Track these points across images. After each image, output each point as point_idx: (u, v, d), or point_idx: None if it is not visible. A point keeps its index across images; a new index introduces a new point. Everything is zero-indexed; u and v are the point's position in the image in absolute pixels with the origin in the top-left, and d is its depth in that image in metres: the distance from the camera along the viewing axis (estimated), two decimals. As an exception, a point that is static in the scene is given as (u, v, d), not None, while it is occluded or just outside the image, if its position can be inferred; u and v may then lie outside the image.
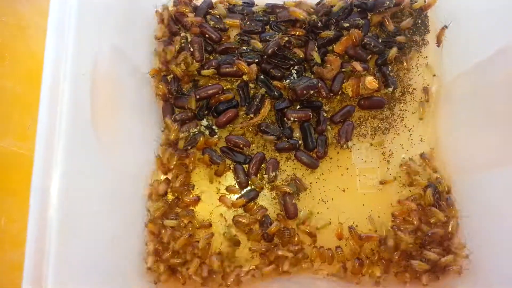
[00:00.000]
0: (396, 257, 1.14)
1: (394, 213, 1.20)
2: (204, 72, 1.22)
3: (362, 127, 1.26)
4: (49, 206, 0.73)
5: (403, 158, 1.24)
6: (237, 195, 1.20)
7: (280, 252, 1.13)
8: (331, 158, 1.24)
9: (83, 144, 0.81)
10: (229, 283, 1.10)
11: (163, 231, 1.12)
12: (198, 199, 1.19)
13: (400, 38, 1.25)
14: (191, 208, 1.19)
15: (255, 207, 1.19)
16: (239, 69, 1.21)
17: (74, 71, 0.78)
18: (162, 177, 1.19)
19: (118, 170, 0.97)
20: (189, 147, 1.21)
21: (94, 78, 0.84)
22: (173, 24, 1.26)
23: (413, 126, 1.26)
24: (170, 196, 1.18)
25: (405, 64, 1.28)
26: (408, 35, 1.29)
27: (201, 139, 1.19)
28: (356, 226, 1.18)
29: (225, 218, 1.19)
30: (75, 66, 0.81)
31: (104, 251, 0.91)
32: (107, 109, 0.90)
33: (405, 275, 1.14)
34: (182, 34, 1.25)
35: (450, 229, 1.15)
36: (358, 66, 1.20)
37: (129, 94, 1.07)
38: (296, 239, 1.16)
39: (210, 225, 1.18)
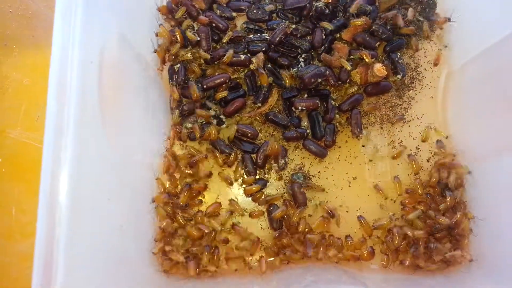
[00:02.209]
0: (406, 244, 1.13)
1: (403, 202, 1.19)
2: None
3: (371, 115, 1.25)
4: (58, 195, 0.73)
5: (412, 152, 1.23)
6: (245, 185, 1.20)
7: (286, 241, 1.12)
8: (339, 147, 1.23)
9: (91, 133, 0.81)
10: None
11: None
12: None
13: (407, 30, 1.24)
14: (199, 198, 1.19)
15: (262, 197, 1.19)
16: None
17: (82, 59, 0.77)
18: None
19: (126, 158, 0.97)
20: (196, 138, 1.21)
21: (101, 66, 0.84)
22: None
23: (423, 115, 1.24)
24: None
25: (414, 47, 1.26)
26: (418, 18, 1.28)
27: (211, 129, 1.19)
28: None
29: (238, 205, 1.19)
30: (82, 54, 0.80)
31: (113, 239, 0.91)
32: (115, 97, 0.90)
33: (413, 262, 1.13)
34: (188, 23, 1.24)
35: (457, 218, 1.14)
36: (368, 57, 1.18)
37: (136, 82, 1.06)
38: (306, 228, 1.16)
39: (218, 214, 1.18)
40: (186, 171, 1.18)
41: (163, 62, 1.22)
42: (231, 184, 1.20)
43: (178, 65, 1.23)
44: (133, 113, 1.03)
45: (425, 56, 1.28)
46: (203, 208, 1.18)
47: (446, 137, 1.22)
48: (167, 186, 1.16)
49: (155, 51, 1.19)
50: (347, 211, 1.18)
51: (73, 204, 0.74)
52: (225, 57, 1.19)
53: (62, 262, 0.72)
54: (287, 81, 1.20)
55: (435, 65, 1.27)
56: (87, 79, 0.80)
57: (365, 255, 1.14)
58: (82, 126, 0.77)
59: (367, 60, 1.18)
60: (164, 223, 1.08)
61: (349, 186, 1.20)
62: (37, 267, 0.73)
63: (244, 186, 1.20)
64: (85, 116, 0.77)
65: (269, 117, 1.21)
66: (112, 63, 0.92)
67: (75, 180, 0.73)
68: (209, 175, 1.20)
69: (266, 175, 1.21)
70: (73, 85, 0.75)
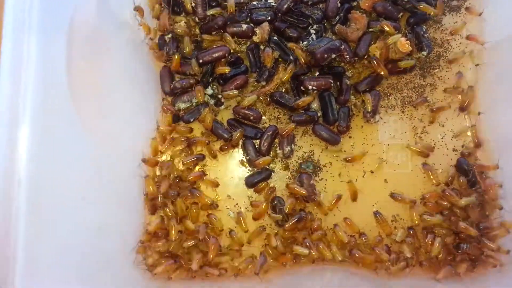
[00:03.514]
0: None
1: (425, 196, 1.04)
2: (206, 37, 1.04)
3: (390, 97, 1.09)
4: (13, 192, 0.57)
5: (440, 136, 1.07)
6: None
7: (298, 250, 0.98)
8: (353, 133, 1.07)
9: (57, 118, 0.64)
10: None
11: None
12: (202, 174, 1.04)
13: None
14: (194, 187, 1.04)
15: (266, 188, 1.04)
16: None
17: (44, 21, 0.60)
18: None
19: (106, 145, 0.81)
20: (192, 119, 1.05)
21: (72, 33, 0.67)
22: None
23: (450, 96, 1.09)
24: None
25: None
26: None
27: (205, 110, 1.03)
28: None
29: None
30: (45, 16, 0.63)
31: (88, 242, 0.76)
32: (89, 74, 0.73)
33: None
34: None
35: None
36: (389, 27, 1.02)
37: (117, 55, 0.89)
38: (315, 225, 1.01)
39: (216, 206, 1.03)
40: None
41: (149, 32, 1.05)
42: (214, 157, 1.05)
43: (170, 35, 1.07)
44: (115, 92, 0.86)
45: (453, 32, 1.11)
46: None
47: (479, 114, 1.07)
48: (157, 174, 1.01)
49: (135, 8, 1.01)
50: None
51: (32, 202, 0.58)
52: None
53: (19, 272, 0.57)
54: (302, 58, 1.04)
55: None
56: (51, 49, 0.63)
57: (382, 255, 1.00)
58: (45, 111, 0.60)
59: (389, 31, 1.02)
60: (154, 222, 0.93)
61: (364, 177, 1.06)
62: None
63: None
64: (48, 98, 0.61)
65: (275, 98, 1.05)
66: (86, 31, 0.76)
67: (35, 174, 0.57)
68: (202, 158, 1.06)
69: (270, 165, 1.06)
70: (31, 58, 0.57)
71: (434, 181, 1.03)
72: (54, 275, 0.65)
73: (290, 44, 1.06)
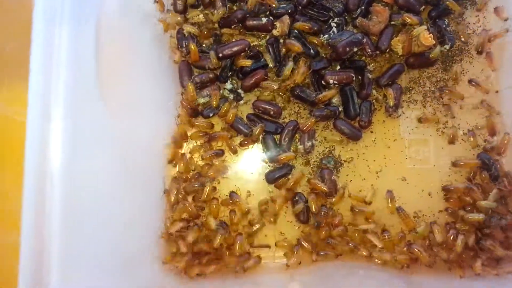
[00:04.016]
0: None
1: (448, 187, 1.02)
2: (225, 30, 1.02)
3: (412, 91, 1.07)
4: (47, 183, 0.55)
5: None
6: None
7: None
8: (375, 128, 1.06)
9: (88, 110, 0.63)
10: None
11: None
12: (222, 153, 1.03)
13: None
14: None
15: (287, 183, 1.03)
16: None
17: (75, 16, 0.58)
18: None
19: (130, 138, 0.79)
20: (211, 114, 1.03)
21: (99, 27, 0.65)
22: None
23: (473, 90, 1.07)
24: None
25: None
26: None
27: (225, 105, 1.01)
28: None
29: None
30: (76, 10, 0.61)
31: (115, 236, 0.75)
32: (115, 67, 0.72)
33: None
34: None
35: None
36: (411, 18, 1.00)
37: (140, 48, 0.88)
38: (336, 220, 1.00)
39: (236, 201, 1.02)
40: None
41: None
42: (235, 152, 1.04)
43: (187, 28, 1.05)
44: (138, 85, 0.85)
45: (476, 23, 1.10)
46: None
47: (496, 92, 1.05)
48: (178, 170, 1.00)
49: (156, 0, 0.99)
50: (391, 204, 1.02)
51: (66, 197, 0.56)
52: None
53: (55, 266, 0.55)
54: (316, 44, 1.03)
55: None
56: (81, 42, 0.61)
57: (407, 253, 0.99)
58: (76, 103, 0.58)
59: (412, 22, 1.00)
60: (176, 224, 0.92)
61: (386, 173, 1.04)
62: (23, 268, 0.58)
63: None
64: (79, 88, 0.59)
65: (295, 93, 1.04)
66: (112, 24, 0.74)
67: (68, 167, 0.56)
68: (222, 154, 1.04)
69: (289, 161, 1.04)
70: (63, 49, 0.56)
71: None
72: (87, 271, 0.63)
73: (311, 38, 1.05)
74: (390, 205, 1.01)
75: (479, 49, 1.06)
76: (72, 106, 0.58)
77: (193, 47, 1.01)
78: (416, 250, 0.97)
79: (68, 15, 0.58)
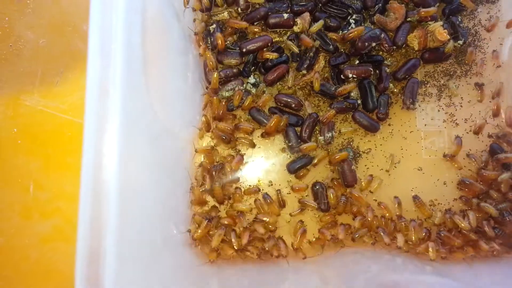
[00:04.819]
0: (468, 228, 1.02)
1: (464, 180, 1.07)
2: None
3: (428, 85, 1.12)
4: (103, 172, 0.59)
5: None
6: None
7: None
8: (392, 120, 1.10)
9: (137, 98, 0.67)
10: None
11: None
12: (241, 159, 1.06)
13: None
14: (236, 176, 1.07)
15: (308, 174, 1.07)
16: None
17: (127, 5, 0.62)
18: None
19: (167, 128, 0.84)
20: (235, 108, 1.08)
21: (144, 19, 0.69)
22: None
23: (485, 84, 1.11)
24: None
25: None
26: None
27: (249, 98, 1.06)
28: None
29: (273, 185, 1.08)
30: (128, 6, 0.65)
31: (154, 219, 0.79)
32: (156, 58, 0.76)
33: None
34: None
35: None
36: (429, 13, 1.05)
37: (175, 44, 0.92)
38: (355, 209, 1.04)
39: (258, 190, 1.07)
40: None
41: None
42: (253, 146, 1.08)
43: (214, 25, 1.10)
44: (172, 80, 0.89)
45: (486, 20, 1.14)
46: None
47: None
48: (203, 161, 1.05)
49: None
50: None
51: (121, 183, 0.60)
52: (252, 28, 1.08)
53: (112, 254, 0.59)
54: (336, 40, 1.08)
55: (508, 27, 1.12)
56: (132, 36, 0.66)
57: (422, 238, 1.03)
58: (129, 95, 0.62)
59: (429, 18, 1.05)
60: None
61: (403, 163, 1.08)
62: (81, 261, 0.60)
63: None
64: (131, 82, 0.63)
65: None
66: (152, 21, 0.78)
67: (124, 154, 0.60)
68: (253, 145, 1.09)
69: (311, 151, 1.09)
70: (118, 36, 0.60)
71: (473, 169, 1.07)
72: (140, 266, 0.67)
73: (330, 34, 1.09)
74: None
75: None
76: (126, 100, 0.61)
77: (218, 34, 1.05)
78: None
79: (123, 10, 0.61)
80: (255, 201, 1.05)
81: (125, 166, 0.61)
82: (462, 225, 1.01)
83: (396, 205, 1.06)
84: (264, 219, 1.02)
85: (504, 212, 1.02)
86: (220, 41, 1.05)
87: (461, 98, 1.11)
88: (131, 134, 0.63)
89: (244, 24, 1.07)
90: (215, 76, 1.04)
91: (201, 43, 1.08)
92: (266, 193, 1.06)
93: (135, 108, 0.64)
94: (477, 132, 1.10)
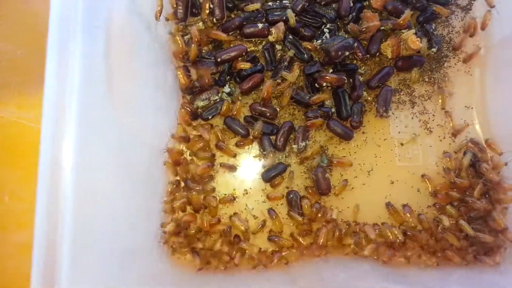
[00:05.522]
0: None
1: (435, 187, 1.08)
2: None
3: (401, 93, 1.13)
4: (60, 181, 0.61)
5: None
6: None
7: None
8: (366, 128, 1.11)
9: (98, 112, 0.68)
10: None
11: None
12: (210, 165, 1.07)
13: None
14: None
15: (282, 182, 1.09)
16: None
17: (86, 22, 0.64)
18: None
19: (135, 140, 0.85)
20: (210, 117, 1.09)
21: (109, 33, 0.70)
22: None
23: (458, 90, 1.12)
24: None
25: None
26: None
27: (225, 106, 1.07)
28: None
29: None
30: (87, 17, 0.67)
31: (121, 231, 0.80)
32: (123, 70, 0.77)
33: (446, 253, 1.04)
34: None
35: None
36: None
37: (145, 54, 0.93)
38: (329, 215, 1.06)
39: (233, 198, 1.08)
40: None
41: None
42: (234, 156, 1.09)
43: (188, 35, 1.11)
44: (142, 90, 0.90)
45: (460, 27, 1.15)
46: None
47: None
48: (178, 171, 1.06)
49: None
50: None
51: (77, 193, 0.62)
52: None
53: (66, 264, 0.61)
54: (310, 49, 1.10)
55: (471, 36, 1.13)
56: (93, 47, 0.67)
57: (394, 246, 1.05)
58: (87, 104, 0.64)
59: (405, 25, 1.06)
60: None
61: (377, 171, 1.10)
62: (36, 267, 0.63)
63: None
64: (90, 92, 0.65)
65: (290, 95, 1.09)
66: (120, 31, 0.79)
67: (79, 164, 0.61)
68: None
69: (286, 159, 1.10)
70: (76, 53, 0.61)
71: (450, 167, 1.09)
72: (96, 267, 0.69)
73: (305, 43, 1.10)
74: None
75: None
76: (84, 109, 0.63)
77: (193, 46, 1.06)
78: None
79: (81, 22, 0.63)
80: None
81: (83, 176, 0.62)
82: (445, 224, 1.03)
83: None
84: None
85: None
86: (193, 54, 1.06)
87: (435, 104, 1.12)
88: (90, 144, 0.65)
89: (224, 36, 1.08)
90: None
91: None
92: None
93: (95, 118, 0.66)
94: (455, 134, 1.11)
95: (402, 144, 1.10)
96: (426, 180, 1.08)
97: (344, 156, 1.09)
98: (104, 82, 0.68)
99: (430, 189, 1.08)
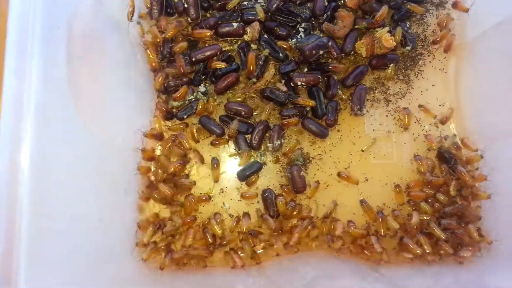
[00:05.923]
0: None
1: (409, 184, 1.09)
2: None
3: (376, 91, 1.14)
4: (18, 184, 0.61)
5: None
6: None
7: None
8: (341, 126, 1.12)
9: (60, 116, 0.69)
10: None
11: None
12: (183, 164, 1.07)
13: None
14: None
15: (257, 181, 1.09)
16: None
17: (46, 23, 0.64)
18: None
19: (105, 143, 0.86)
20: (185, 116, 1.09)
21: (71, 34, 0.71)
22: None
23: (432, 86, 1.14)
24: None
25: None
26: None
27: (200, 105, 1.07)
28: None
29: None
30: (47, 17, 0.67)
31: (89, 234, 0.81)
32: (89, 73, 0.77)
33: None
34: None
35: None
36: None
37: (115, 54, 0.93)
38: (304, 213, 1.07)
39: (209, 198, 1.08)
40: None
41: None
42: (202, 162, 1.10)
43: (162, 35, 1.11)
44: (112, 92, 0.91)
45: (435, 25, 1.16)
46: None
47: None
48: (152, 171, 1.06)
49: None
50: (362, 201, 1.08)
51: (36, 194, 0.62)
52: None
53: (24, 267, 0.61)
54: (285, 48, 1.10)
55: (439, 42, 1.14)
56: (53, 47, 0.67)
57: (368, 243, 1.06)
58: (47, 107, 0.64)
59: (379, 20, 1.08)
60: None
61: (351, 168, 1.10)
62: None
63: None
64: (50, 94, 0.65)
65: (265, 94, 1.10)
66: (84, 31, 0.79)
67: (38, 168, 0.62)
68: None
69: (262, 157, 1.11)
70: (34, 56, 0.62)
71: (422, 169, 1.09)
72: (57, 269, 0.69)
73: (280, 42, 1.11)
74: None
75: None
76: (44, 109, 0.63)
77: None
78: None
79: (40, 21, 0.63)
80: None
81: (41, 177, 0.63)
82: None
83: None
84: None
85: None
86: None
87: (409, 103, 1.13)
88: (51, 145, 0.65)
89: (208, 32, 1.09)
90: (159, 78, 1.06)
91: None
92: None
93: (56, 118, 0.66)
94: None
95: (362, 151, 1.11)
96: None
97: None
98: (66, 81, 0.68)
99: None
